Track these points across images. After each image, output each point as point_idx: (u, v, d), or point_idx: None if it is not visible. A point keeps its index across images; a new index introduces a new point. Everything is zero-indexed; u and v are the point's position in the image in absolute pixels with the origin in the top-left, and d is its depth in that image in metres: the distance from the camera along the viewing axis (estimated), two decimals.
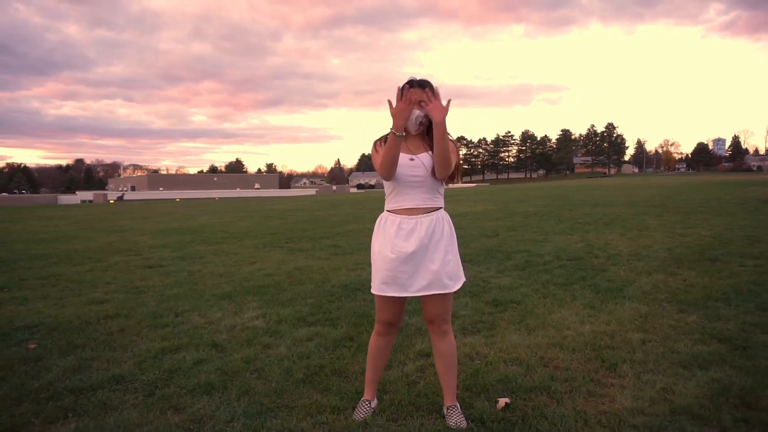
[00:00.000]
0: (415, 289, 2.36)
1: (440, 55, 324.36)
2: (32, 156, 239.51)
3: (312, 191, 73.66)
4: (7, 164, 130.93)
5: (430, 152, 2.41)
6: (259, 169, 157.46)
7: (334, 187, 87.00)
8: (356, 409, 2.56)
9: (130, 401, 2.77)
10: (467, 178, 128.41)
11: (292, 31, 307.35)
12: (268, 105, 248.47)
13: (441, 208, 2.47)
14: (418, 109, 2.37)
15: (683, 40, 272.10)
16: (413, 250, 2.34)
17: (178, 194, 60.64)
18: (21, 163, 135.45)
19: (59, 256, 8.33)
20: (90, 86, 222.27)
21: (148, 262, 7.45)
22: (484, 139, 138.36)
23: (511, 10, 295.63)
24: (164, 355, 3.44)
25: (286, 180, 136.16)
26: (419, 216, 2.40)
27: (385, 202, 2.50)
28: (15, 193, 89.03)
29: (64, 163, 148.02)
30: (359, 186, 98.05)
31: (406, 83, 2.42)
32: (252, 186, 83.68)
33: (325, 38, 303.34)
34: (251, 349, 3.49)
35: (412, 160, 2.40)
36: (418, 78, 2.43)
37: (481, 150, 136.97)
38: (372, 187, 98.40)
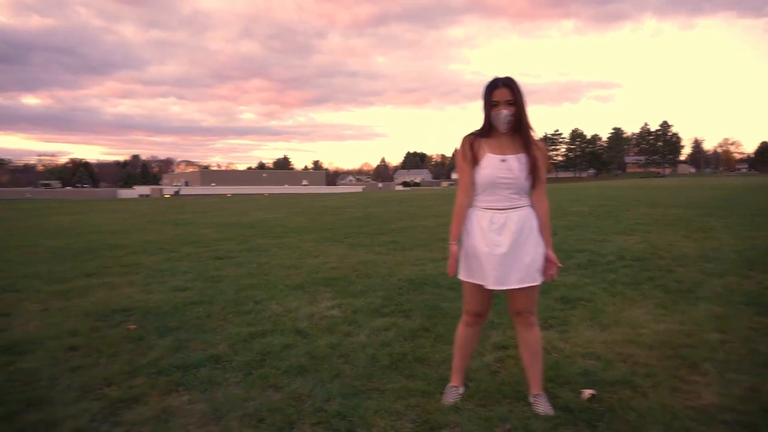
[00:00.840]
0: (510, 282, 2.46)
1: (487, 52, 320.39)
2: (93, 152, 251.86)
3: (358, 188, 74.33)
4: (71, 160, 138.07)
5: (522, 154, 2.48)
6: (306, 167, 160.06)
7: (380, 185, 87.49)
8: (445, 394, 2.70)
9: (231, 379, 3.00)
10: None
11: (338, 29, 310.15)
12: (315, 103, 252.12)
13: (528, 205, 2.56)
14: (506, 108, 2.46)
15: (745, 33, 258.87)
16: (507, 245, 2.44)
17: (228, 190, 62.47)
18: (83, 159, 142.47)
19: (134, 246, 8.85)
20: (145, 85, 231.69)
21: (217, 253, 7.82)
22: None
23: (560, 5, 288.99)
24: (253, 339, 3.67)
25: (332, 177, 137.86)
26: (509, 211, 2.50)
27: (475, 198, 2.60)
28: (78, 187, 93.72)
29: (121, 158, 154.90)
30: (405, 183, 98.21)
31: (491, 82, 2.51)
32: (300, 182, 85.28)
33: (371, 36, 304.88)
34: (333, 336, 3.68)
35: (503, 161, 2.47)
36: (501, 77, 2.52)
37: None
38: (417, 184, 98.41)
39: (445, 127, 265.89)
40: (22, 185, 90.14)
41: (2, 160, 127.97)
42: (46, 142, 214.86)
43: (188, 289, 5.29)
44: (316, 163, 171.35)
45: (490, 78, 2.55)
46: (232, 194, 50.12)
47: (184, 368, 3.15)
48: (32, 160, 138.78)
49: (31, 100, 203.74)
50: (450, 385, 2.76)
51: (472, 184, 2.58)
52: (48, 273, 6.39)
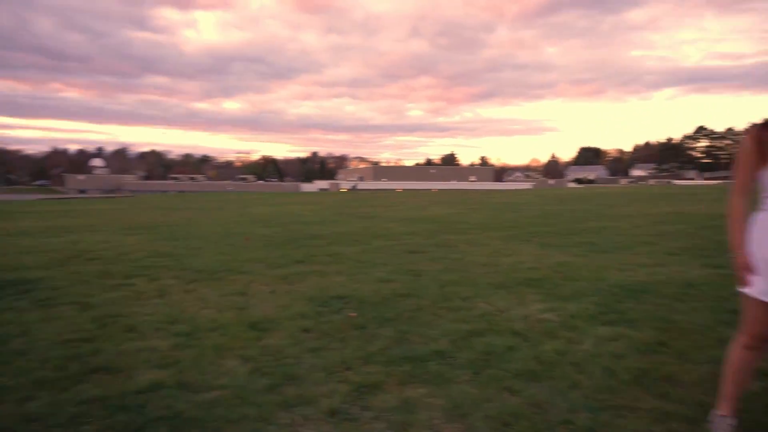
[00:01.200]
0: None
1: (675, 35, 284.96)
2: (280, 150, 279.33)
3: (527, 185, 71.94)
4: (262, 156, 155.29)
5: None
6: (472, 163, 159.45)
7: (552, 181, 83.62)
8: (714, 424, 2.36)
9: (461, 377, 2.98)
10: (709, 174, 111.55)
11: (505, 22, 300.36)
12: (481, 98, 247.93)
13: None
14: None
15: None
16: None
17: (398, 185, 64.85)
18: (271, 156, 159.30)
19: (331, 237, 9.53)
20: (323, 87, 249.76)
21: (408, 247, 8.05)
22: (732, 129, 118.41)
23: None
24: (472, 337, 3.64)
25: (499, 173, 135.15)
26: None
27: (762, 200, 2.22)
28: (268, 181, 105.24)
29: (302, 155, 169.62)
30: (578, 180, 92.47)
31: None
32: (467, 178, 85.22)
33: (541, 27, 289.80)
34: (557, 342, 3.49)
35: None
36: None
37: (727, 142, 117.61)
38: (591, 182, 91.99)
39: (623, 120, 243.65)
40: (225, 179, 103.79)
41: (209, 157, 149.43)
42: (242, 141, 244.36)
43: (393, 281, 5.49)
44: (482, 158, 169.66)
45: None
46: (403, 189, 51.90)
47: (412, 360, 3.22)
48: (231, 157, 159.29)
49: (230, 105, 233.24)
50: (718, 413, 2.40)
51: (753, 184, 2.21)
52: (266, 258, 7.15)
